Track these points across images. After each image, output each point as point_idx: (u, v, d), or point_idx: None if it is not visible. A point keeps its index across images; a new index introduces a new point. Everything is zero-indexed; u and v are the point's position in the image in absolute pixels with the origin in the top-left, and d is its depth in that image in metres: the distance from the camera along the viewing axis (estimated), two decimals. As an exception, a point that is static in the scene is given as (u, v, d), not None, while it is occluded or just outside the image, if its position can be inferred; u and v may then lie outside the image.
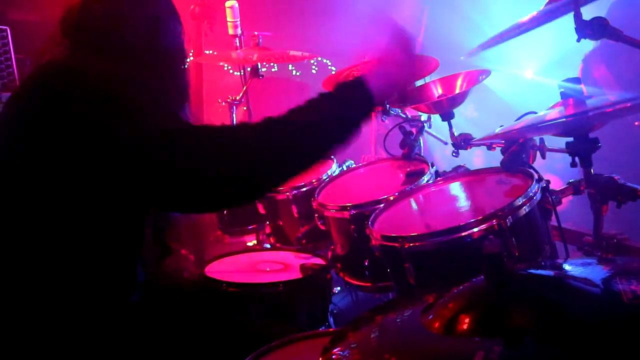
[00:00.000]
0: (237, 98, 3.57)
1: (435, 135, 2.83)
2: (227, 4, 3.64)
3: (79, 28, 1.58)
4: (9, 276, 1.42)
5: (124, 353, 1.49)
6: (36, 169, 1.40)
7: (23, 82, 1.52)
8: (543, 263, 1.73)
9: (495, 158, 2.13)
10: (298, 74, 7.09)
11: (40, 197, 1.40)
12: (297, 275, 2.13)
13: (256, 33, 3.46)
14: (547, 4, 1.89)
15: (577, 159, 1.88)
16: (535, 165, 2.01)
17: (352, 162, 2.87)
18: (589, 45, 4.31)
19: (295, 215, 2.65)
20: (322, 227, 2.42)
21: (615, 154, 1.91)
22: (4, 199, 1.44)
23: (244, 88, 3.67)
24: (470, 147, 2.48)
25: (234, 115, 3.54)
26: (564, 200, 1.93)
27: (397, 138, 2.58)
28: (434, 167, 2.33)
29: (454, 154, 2.51)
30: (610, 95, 1.83)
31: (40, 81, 1.48)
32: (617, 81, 4.28)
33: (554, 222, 1.90)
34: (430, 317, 1.09)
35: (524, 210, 1.75)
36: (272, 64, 6.39)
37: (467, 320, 1.03)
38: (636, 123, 4.17)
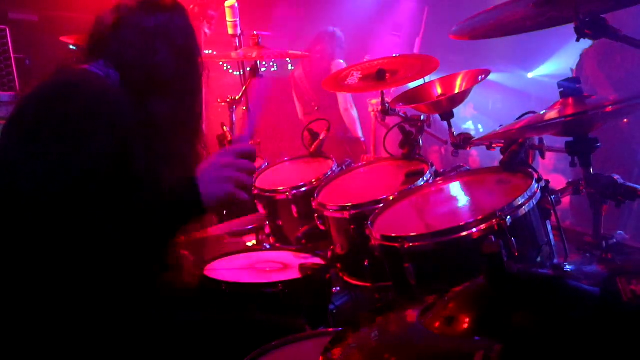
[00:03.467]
0: (237, 98, 3.57)
1: (435, 134, 2.83)
2: (227, 3, 3.63)
3: (105, 46, 1.61)
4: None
5: (125, 353, 1.50)
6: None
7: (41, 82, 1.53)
8: (543, 263, 1.74)
9: (494, 158, 2.13)
10: (297, 73, 7.09)
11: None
12: (296, 275, 2.13)
13: (256, 32, 3.46)
14: None
15: (576, 158, 1.88)
16: (539, 164, 2.00)
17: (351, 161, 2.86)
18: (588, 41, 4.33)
19: (295, 215, 2.64)
20: (322, 227, 2.41)
21: (604, 151, 1.90)
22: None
23: (244, 88, 3.67)
24: (470, 147, 2.47)
25: (234, 115, 3.54)
26: (563, 199, 1.93)
27: (397, 138, 2.58)
28: (434, 167, 2.33)
29: (453, 154, 2.51)
30: (610, 95, 1.82)
31: (47, 85, 1.51)
32: (607, 80, 4.29)
33: (553, 221, 1.90)
34: (430, 316, 1.09)
35: (524, 210, 1.75)
36: (271, 63, 6.40)
37: (467, 320, 1.03)
38: (625, 120, 4.17)
